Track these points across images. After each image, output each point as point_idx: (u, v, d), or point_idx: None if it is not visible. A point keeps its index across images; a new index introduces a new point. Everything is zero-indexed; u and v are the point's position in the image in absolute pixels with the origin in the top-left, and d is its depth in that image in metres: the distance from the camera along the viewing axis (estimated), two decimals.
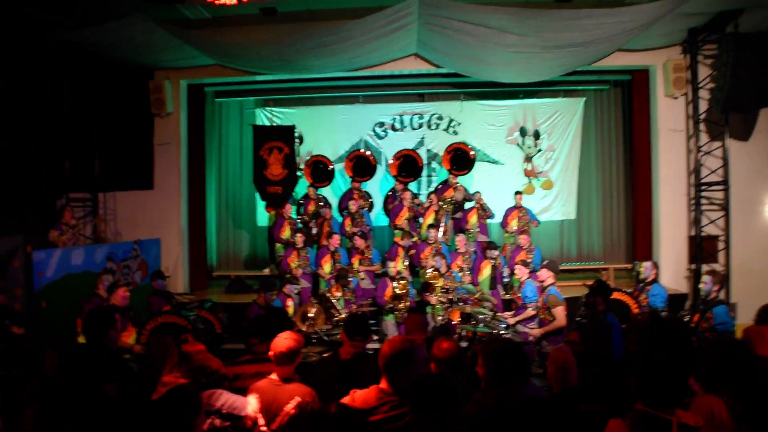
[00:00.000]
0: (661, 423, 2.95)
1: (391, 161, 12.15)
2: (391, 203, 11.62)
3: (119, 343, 6.48)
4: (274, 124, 12.84)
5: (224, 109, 13.75)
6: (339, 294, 9.26)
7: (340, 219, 11.62)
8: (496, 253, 10.00)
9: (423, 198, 12.08)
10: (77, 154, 10.97)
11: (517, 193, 11.41)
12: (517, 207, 11.26)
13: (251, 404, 3.71)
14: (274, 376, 3.84)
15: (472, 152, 11.81)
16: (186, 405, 3.00)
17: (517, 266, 8.68)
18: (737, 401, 3.16)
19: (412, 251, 10.33)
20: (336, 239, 10.25)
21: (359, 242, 10.27)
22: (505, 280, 10.29)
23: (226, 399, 3.73)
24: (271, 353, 3.82)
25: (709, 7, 9.44)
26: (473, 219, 11.07)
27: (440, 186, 11.96)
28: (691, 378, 3.60)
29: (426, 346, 3.45)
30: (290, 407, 3.70)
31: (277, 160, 11.29)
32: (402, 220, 11.07)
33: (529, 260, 9.85)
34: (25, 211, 9.86)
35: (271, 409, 3.70)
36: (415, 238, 10.64)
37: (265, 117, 13.16)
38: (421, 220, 11.07)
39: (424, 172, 12.81)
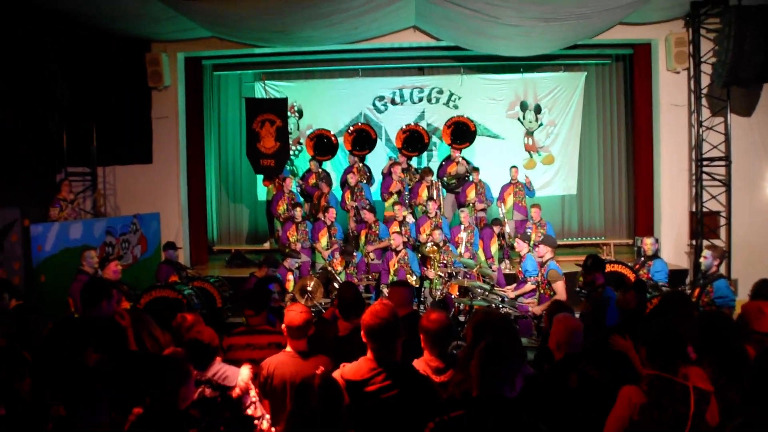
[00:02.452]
0: (679, 388, 2.98)
1: (396, 134, 12.04)
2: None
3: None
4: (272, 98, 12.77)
5: (223, 82, 13.66)
6: (340, 268, 9.32)
7: (340, 194, 11.60)
8: (505, 228, 10.30)
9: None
10: (74, 128, 10.90)
11: (513, 167, 11.31)
12: (513, 183, 11.20)
13: (242, 375, 3.71)
14: (289, 349, 3.79)
15: (472, 125, 11.73)
16: (170, 372, 3.00)
17: (516, 240, 8.67)
18: (720, 374, 3.16)
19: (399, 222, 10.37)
20: (332, 213, 10.23)
21: (368, 216, 10.23)
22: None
23: (217, 369, 3.73)
24: (283, 327, 3.79)
25: None
26: (472, 194, 11.03)
27: (443, 161, 11.92)
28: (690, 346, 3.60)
29: (411, 319, 3.44)
30: None
31: (269, 133, 11.27)
32: (392, 193, 11.08)
33: (540, 234, 9.89)
34: (23, 185, 9.84)
35: (296, 382, 3.64)
36: (406, 213, 10.55)
37: (263, 90, 13.08)
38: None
39: None
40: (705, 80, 10.72)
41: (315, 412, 2.65)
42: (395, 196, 10.96)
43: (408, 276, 8.96)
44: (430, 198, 10.38)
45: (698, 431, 2.89)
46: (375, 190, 11.93)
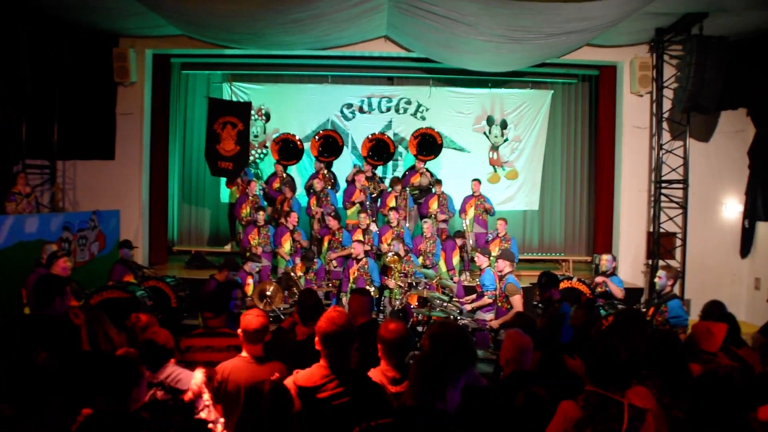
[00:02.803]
0: (613, 404, 3.03)
1: (362, 142, 12.06)
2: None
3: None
4: (240, 100, 12.66)
5: (191, 81, 13.51)
6: (301, 273, 9.29)
7: (305, 199, 11.54)
8: (468, 241, 10.46)
9: (387, 182, 12.08)
10: (35, 120, 10.68)
11: (475, 180, 11.34)
12: (475, 195, 11.25)
13: (195, 378, 3.67)
14: (245, 354, 3.77)
15: (439, 138, 11.82)
16: (122, 373, 2.95)
17: (476, 254, 8.73)
18: (664, 392, 3.22)
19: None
20: (294, 217, 10.19)
21: (332, 223, 10.25)
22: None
23: (170, 372, 3.69)
24: (239, 331, 3.77)
25: (676, 8, 9.57)
26: (434, 205, 11.09)
27: (407, 172, 11.97)
28: None
29: (370, 328, 3.44)
30: None
31: (230, 136, 11.19)
32: (354, 202, 11.08)
33: (505, 247, 9.98)
34: None
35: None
36: (369, 221, 10.55)
37: (231, 92, 12.98)
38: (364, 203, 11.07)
39: None
40: (667, 104, 11.00)
41: (264, 418, 2.64)
42: (357, 206, 10.96)
43: (367, 285, 8.96)
44: (392, 208, 10.41)
45: None
46: (339, 195, 11.91)
